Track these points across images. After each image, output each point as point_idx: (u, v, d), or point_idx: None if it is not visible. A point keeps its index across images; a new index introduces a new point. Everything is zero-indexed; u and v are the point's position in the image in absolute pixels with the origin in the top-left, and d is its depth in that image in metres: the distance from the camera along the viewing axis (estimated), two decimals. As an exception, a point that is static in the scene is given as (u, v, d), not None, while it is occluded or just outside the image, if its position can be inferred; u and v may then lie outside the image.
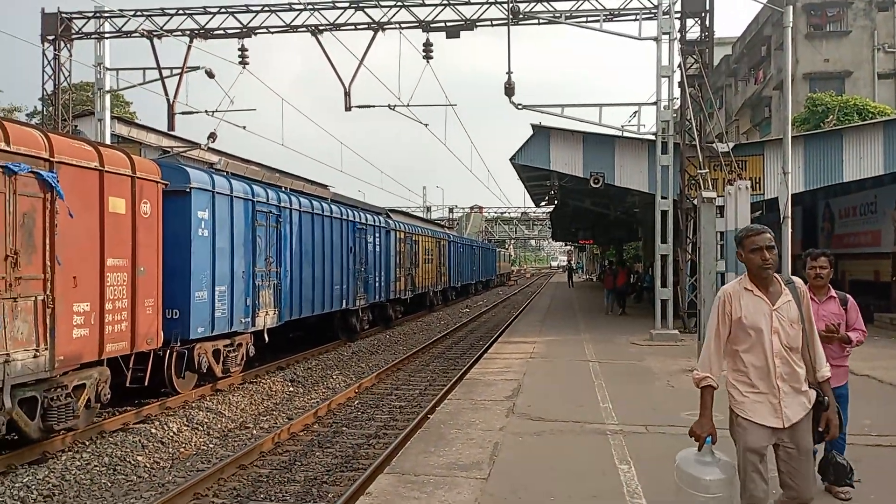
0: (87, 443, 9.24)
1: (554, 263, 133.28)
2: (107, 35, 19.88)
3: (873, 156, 17.08)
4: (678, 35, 17.20)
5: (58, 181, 8.59)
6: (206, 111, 20.17)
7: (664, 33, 16.87)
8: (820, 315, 5.19)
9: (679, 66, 17.16)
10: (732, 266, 13.62)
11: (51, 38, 19.72)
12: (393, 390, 13.79)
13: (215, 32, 19.09)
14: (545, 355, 13.93)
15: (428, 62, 18.80)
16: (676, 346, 14.95)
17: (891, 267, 18.98)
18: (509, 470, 6.40)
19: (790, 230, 13.30)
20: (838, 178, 17.47)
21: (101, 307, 9.45)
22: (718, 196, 14.53)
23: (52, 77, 19.94)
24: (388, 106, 19.75)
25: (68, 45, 19.94)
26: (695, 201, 15.82)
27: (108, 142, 19.14)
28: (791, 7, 13.47)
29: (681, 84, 17.46)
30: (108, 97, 20.40)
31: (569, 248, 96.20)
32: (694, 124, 17.16)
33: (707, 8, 17.33)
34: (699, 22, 17.45)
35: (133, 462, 8.77)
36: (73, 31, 19.84)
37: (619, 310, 24.14)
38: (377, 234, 22.80)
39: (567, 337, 17.09)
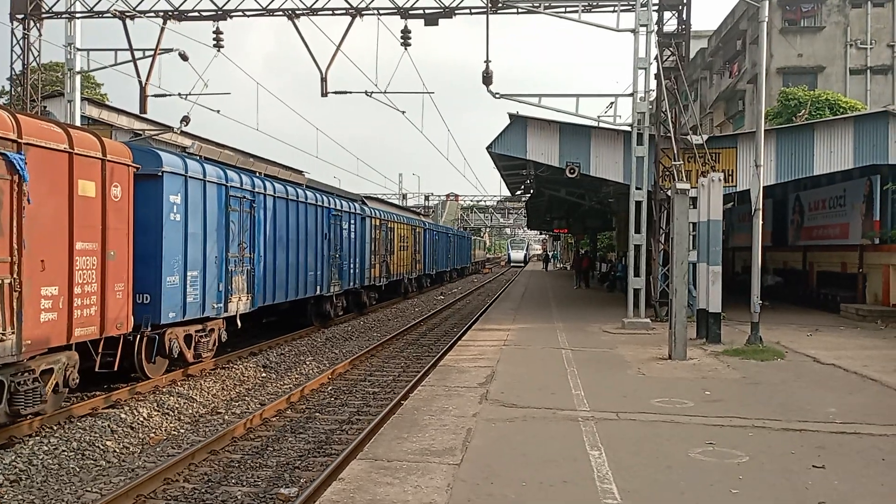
0: (55, 428, 9.13)
1: (518, 255, 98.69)
2: (78, 15, 19.47)
3: (843, 150, 17.35)
4: (655, 27, 17.30)
5: (25, 163, 8.42)
6: (179, 94, 19.89)
7: (642, 25, 16.95)
8: None
9: (655, 58, 17.27)
10: (704, 256, 13.80)
11: (20, 16, 19.27)
12: (367, 376, 13.80)
13: (190, 14, 18.77)
14: (519, 343, 14.01)
15: (406, 49, 18.71)
16: (648, 335, 15.12)
17: (857, 259, 19.38)
18: (482, 456, 6.44)
19: (761, 222, 13.48)
20: (809, 172, 17.73)
21: (69, 291, 9.32)
22: (692, 187, 14.65)
23: (21, 57, 19.49)
24: (365, 92, 19.62)
25: (38, 25, 19.51)
26: (669, 192, 15.97)
27: (77, 124, 18.79)
28: (767, 2, 13.59)
29: (657, 76, 17.58)
30: (78, 78, 20.00)
31: (543, 237, 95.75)
32: (669, 116, 17.30)
33: (684, 1, 17.44)
34: (676, 15, 17.56)
35: (102, 447, 8.69)
36: (44, 10, 19.40)
37: (583, 285, 32.22)
38: (352, 221, 22.71)
39: (540, 325, 17.19)
